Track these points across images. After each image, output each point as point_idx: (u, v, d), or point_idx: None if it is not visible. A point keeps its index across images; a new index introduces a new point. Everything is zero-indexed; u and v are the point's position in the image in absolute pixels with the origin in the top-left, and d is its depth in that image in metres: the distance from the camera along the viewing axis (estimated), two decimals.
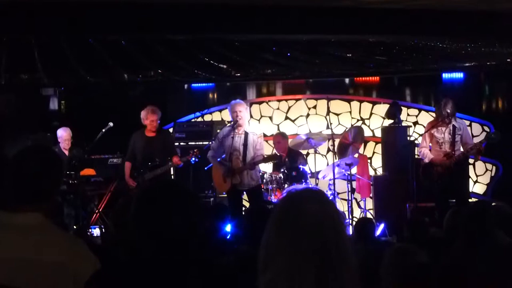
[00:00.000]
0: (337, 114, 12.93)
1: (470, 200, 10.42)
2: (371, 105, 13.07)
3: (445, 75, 12.99)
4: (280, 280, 2.08)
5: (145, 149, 9.82)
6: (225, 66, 11.13)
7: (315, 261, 2.05)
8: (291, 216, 2.11)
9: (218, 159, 9.59)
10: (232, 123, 9.46)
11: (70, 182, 10.00)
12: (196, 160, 9.73)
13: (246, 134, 9.44)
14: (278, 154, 10.89)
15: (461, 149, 9.77)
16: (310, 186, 10.24)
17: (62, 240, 3.00)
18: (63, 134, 10.74)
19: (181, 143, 11.55)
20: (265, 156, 9.63)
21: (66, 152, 10.65)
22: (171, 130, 12.01)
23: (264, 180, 10.24)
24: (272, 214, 2.18)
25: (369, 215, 11.16)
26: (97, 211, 10.67)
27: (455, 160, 9.67)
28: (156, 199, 2.70)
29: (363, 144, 12.18)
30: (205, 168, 9.92)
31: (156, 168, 9.70)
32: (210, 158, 9.68)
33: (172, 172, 10.77)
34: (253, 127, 9.92)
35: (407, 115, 12.82)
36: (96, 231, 10.23)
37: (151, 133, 9.86)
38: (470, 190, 11.47)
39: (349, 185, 10.92)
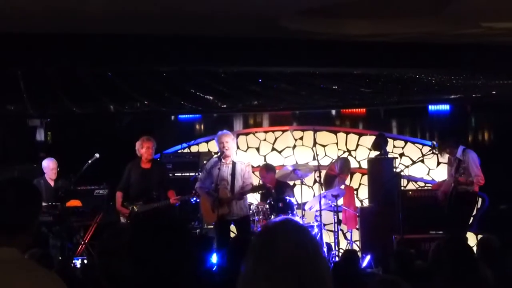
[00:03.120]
0: (324, 146, 12.97)
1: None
2: (357, 136, 13.12)
3: (431, 107, 13.08)
4: None
5: (142, 181, 9.66)
6: (211, 98, 11.15)
7: None
8: (266, 249, 2.15)
9: (206, 190, 9.57)
10: (219, 154, 9.47)
11: (56, 213, 9.93)
12: (197, 200, 9.69)
13: (234, 163, 9.45)
14: (266, 186, 10.90)
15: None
16: (291, 217, 10.22)
17: (38, 277, 2.87)
18: (49, 164, 10.64)
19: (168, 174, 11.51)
20: (254, 185, 9.65)
21: (52, 183, 10.58)
22: None
23: (251, 211, 10.23)
24: (250, 247, 2.22)
25: (355, 247, 11.14)
26: (82, 242, 10.59)
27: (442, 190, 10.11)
28: (153, 232, 2.71)
29: (349, 176, 12.19)
30: (191, 201, 9.85)
31: (152, 202, 9.60)
32: (197, 189, 9.62)
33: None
34: (241, 156, 9.92)
35: (393, 146, 12.88)
36: (79, 262, 10.12)
37: (146, 165, 9.72)
38: None
39: (335, 216, 10.90)
